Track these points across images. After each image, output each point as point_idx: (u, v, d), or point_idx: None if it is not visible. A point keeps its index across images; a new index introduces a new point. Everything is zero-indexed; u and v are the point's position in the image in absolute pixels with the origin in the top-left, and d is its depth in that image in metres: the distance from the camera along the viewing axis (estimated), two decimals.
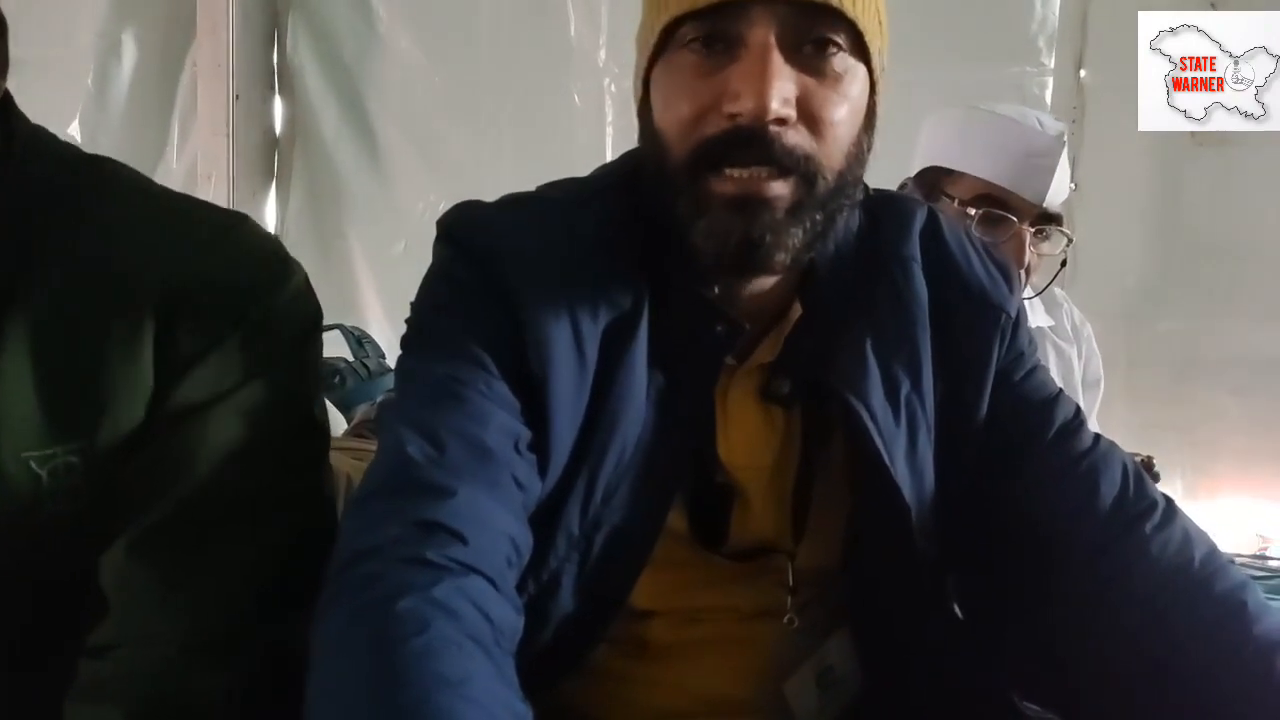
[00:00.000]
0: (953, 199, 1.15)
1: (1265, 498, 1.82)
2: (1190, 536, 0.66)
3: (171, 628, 0.59)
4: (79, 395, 0.60)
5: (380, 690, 0.47)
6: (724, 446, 0.68)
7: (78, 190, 0.64)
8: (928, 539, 0.69)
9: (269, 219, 2.32)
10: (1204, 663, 0.61)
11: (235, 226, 0.66)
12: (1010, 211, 1.13)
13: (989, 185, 1.13)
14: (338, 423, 1.60)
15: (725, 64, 0.60)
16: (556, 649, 0.66)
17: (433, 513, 0.55)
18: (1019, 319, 0.73)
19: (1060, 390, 0.74)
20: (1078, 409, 0.73)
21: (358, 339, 1.94)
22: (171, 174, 2.27)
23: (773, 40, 0.58)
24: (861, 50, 0.61)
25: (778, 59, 0.58)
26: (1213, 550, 0.66)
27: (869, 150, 0.65)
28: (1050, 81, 1.85)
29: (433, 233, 0.69)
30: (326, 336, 0.75)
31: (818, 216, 0.62)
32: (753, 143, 0.59)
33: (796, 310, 0.69)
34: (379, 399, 1.73)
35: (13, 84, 0.63)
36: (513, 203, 0.70)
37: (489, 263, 0.65)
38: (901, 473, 0.67)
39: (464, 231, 0.68)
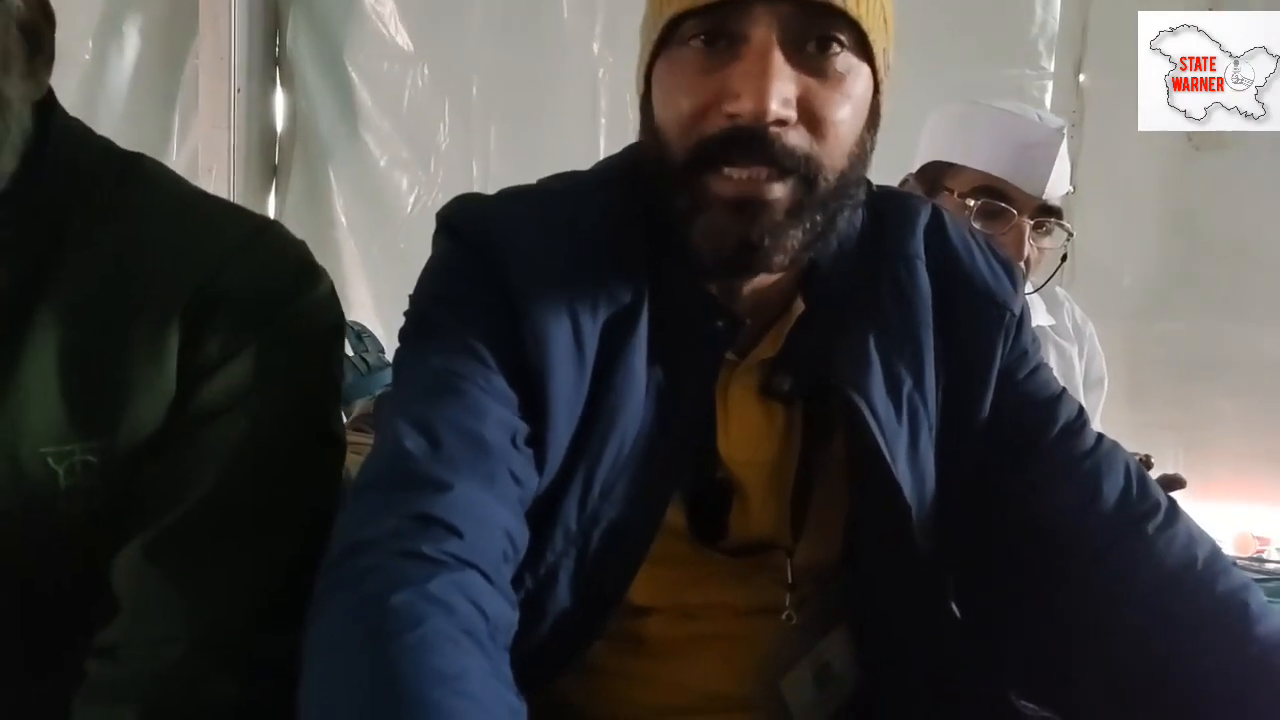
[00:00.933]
0: (952, 192, 1.15)
1: (1262, 500, 1.82)
2: (1193, 537, 0.66)
3: (183, 630, 0.58)
4: (100, 393, 0.60)
5: (374, 685, 0.47)
6: (724, 442, 0.67)
7: (111, 186, 0.64)
8: (928, 537, 0.68)
9: (270, 213, 2.32)
10: (1205, 663, 0.61)
11: (265, 231, 0.66)
12: (1009, 203, 1.12)
13: (988, 177, 1.13)
14: None
15: (727, 62, 0.59)
16: (553, 645, 0.66)
17: (429, 506, 0.54)
18: (1023, 317, 0.72)
19: (1064, 389, 0.73)
20: (1081, 409, 0.72)
21: (357, 334, 1.94)
22: (172, 166, 2.23)
23: (774, 40, 0.58)
24: (865, 49, 0.61)
25: (779, 59, 0.58)
26: (1215, 551, 0.66)
27: (872, 149, 0.65)
28: (1050, 85, 1.86)
29: (425, 227, 0.69)
30: None
31: (818, 217, 0.61)
32: (752, 143, 0.59)
33: (799, 306, 0.68)
34: (377, 393, 1.73)
35: None
36: (512, 196, 0.70)
37: (488, 255, 0.65)
38: (902, 471, 0.67)
39: (463, 224, 0.67)
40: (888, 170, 1.18)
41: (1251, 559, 1.57)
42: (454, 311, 0.64)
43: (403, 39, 2.17)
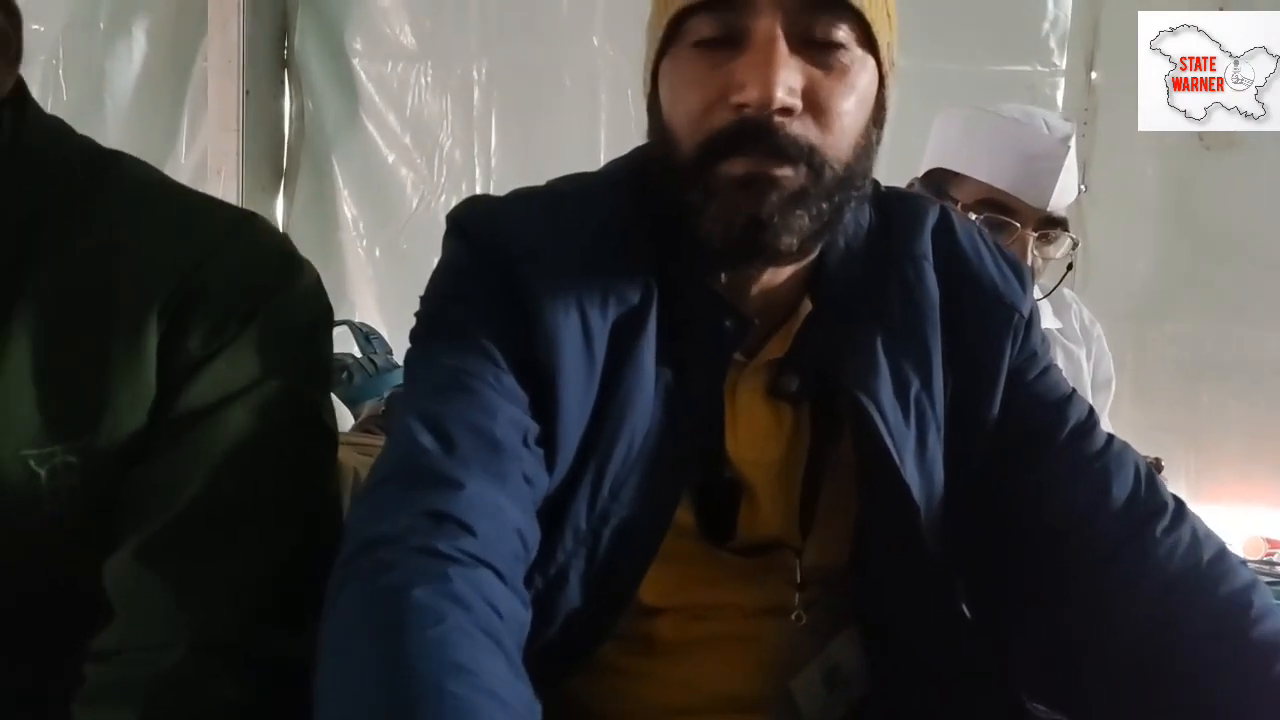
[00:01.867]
0: (956, 202, 1.15)
1: (1269, 503, 1.81)
2: (1200, 538, 0.66)
3: (181, 634, 0.58)
4: (80, 394, 0.60)
5: (394, 678, 0.47)
6: (732, 442, 0.68)
7: (88, 184, 0.63)
8: (936, 538, 0.68)
9: (278, 215, 2.32)
10: (1210, 663, 0.61)
11: (244, 224, 0.65)
12: (1012, 216, 1.13)
13: (991, 189, 1.13)
14: (345, 418, 1.60)
15: (732, 56, 0.60)
16: (564, 644, 0.66)
17: (443, 504, 0.55)
18: (1032, 318, 0.72)
19: (1073, 390, 0.73)
20: (1091, 410, 0.72)
21: (365, 335, 1.94)
22: (181, 169, 2.27)
23: (779, 31, 0.59)
24: (870, 43, 0.61)
25: (783, 49, 0.58)
26: (1222, 551, 0.66)
27: (878, 144, 0.65)
28: (1062, 82, 1.84)
29: (429, 227, 0.70)
30: (335, 332, 0.75)
31: (824, 205, 0.62)
32: (759, 135, 0.59)
33: (806, 306, 0.68)
34: (386, 394, 1.73)
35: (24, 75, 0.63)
36: (523, 196, 0.70)
37: (498, 256, 0.65)
38: (910, 472, 0.67)
39: (474, 224, 0.68)
40: (900, 165, 1.18)
41: (1261, 562, 1.56)
42: (465, 311, 0.64)
43: (407, 38, 2.18)
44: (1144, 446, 1.30)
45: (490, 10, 2.12)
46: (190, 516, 0.59)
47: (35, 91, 0.65)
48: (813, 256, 0.67)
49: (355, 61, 2.20)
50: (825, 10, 0.60)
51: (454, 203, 0.71)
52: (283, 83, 2.29)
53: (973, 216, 1.13)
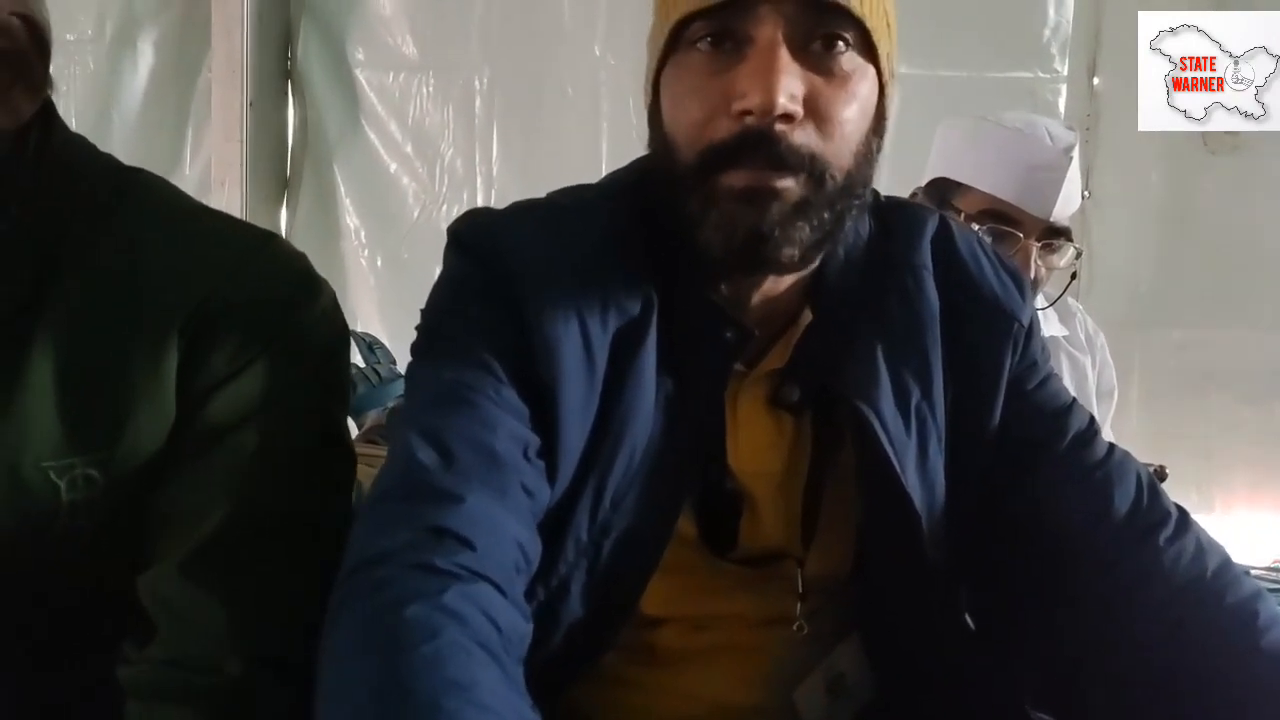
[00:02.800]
0: (959, 213, 1.15)
1: None
2: (1204, 548, 0.66)
3: (236, 647, 0.59)
4: (100, 407, 0.61)
5: (389, 696, 0.47)
6: (733, 453, 0.68)
7: (111, 202, 0.64)
8: (938, 548, 0.68)
9: (281, 225, 2.33)
10: (1215, 674, 0.61)
11: (265, 245, 0.66)
12: (1015, 227, 1.13)
13: (994, 200, 1.13)
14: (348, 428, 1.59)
15: (734, 63, 0.60)
16: (566, 655, 0.66)
17: (442, 519, 0.55)
18: (1032, 327, 0.72)
19: (1074, 399, 0.73)
20: (1092, 419, 0.72)
21: (369, 345, 1.94)
22: (185, 180, 2.27)
23: (780, 38, 0.58)
24: (870, 50, 0.61)
25: (785, 55, 0.58)
26: (1226, 561, 0.66)
27: (878, 152, 0.65)
28: (1064, 88, 1.84)
29: (430, 237, 0.70)
30: None
31: (826, 215, 0.62)
32: (760, 144, 0.59)
33: (806, 317, 0.69)
34: (390, 405, 1.73)
35: None
36: (523, 209, 0.70)
37: (498, 269, 0.65)
38: (912, 481, 0.67)
39: (474, 237, 0.68)
40: (903, 172, 1.18)
41: (1269, 569, 1.55)
42: (465, 325, 0.64)
43: (409, 48, 2.19)
44: (1153, 455, 1.29)
45: (492, 20, 2.13)
46: (230, 533, 0.60)
47: None
48: (813, 266, 0.67)
49: (357, 71, 2.21)
50: (826, 18, 0.60)
51: (456, 212, 0.73)
52: (286, 93, 2.30)
53: (976, 227, 1.13)
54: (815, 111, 0.60)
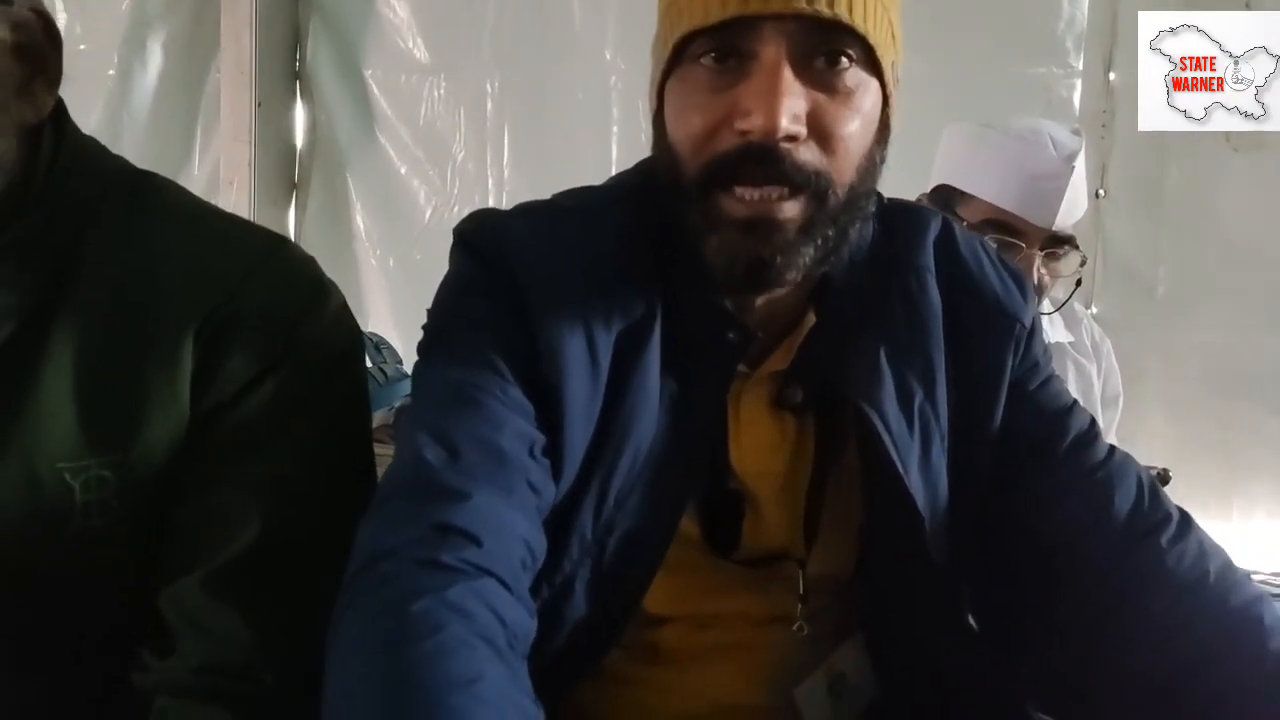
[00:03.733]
0: (962, 221, 1.15)
1: None
2: (1205, 550, 0.66)
3: (268, 662, 0.59)
4: (115, 410, 0.61)
5: (392, 690, 0.47)
6: (736, 453, 0.68)
7: (124, 205, 0.65)
8: (941, 548, 0.68)
9: (289, 226, 2.34)
10: (1220, 677, 0.61)
11: (275, 251, 0.67)
12: (1018, 236, 1.12)
13: (996, 210, 1.13)
14: None
15: (737, 80, 0.60)
16: (570, 654, 0.66)
17: (448, 516, 0.55)
18: (1033, 329, 0.72)
19: (1075, 401, 0.73)
20: (1093, 420, 0.72)
21: (375, 344, 1.95)
22: (193, 180, 2.29)
23: (783, 56, 0.59)
24: (873, 64, 0.61)
25: (788, 75, 0.59)
26: (1228, 564, 0.66)
27: (881, 163, 0.65)
28: (1079, 83, 1.79)
29: (442, 239, 0.71)
30: None
31: (829, 232, 0.62)
32: (764, 160, 0.59)
33: (810, 318, 0.69)
34: (396, 404, 1.73)
35: None
36: (529, 210, 0.71)
37: (504, 269, 0.65)
38: (915, 481, 0.67)
39: (480, 238, 0.68)
40: (917, 169, 1.17)
41: (1276, 574, 1.50)
42: (471, 325, 0.65)
43: (420, 51, 2.19)
44: (1171, 460, 1.26)
45: (503, 23, 2.12)
46: (256, 548, 0.61)
47: None
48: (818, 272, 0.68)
49: (368, 74, 2.22)
50: (829, 35, 0.59)
51: (466, 214, 0.72)
52: (294, 95, 2.31)
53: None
54: (818, 129, 0.60)
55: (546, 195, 0.73)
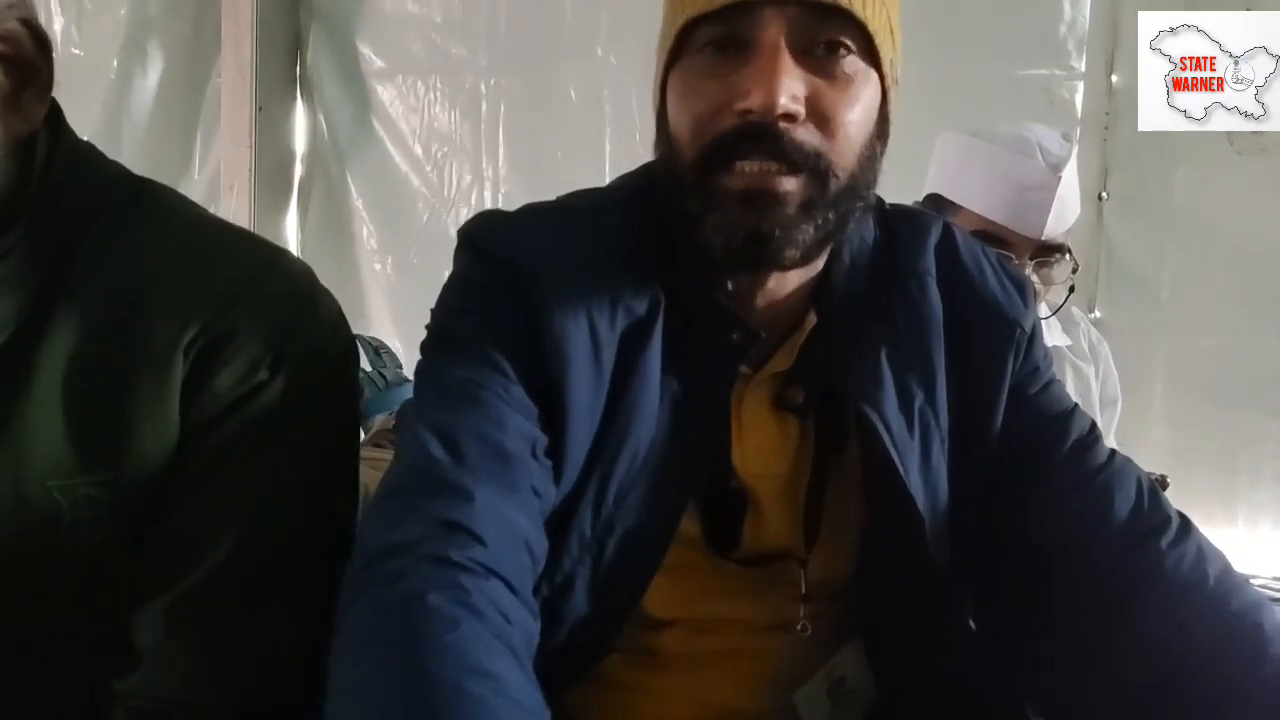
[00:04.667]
0: None
1: None
2: (1205, 553, 0.66)
3: (212, 697, 0.59)
4: (104, 427, 0.60)
5: (414, 682, 0.47)
6: (737, 453, 0.68)
7: (120, 213, 0.64)
8: (941, 551, 0.69)
9: (290, 230, 2.34)
10: (1219, 681, 0.60)
11: (270, 265, 0.66)
12: (1007, 248, 1.12)
13: (984, 221, 1.13)
14: None
15: (737, 65, 0.61)
16: (569, 656, 0.66)
17: (453, 513, 0.55)
18: (1034, 333, 0.73)
19: (1076, 405, 0.73)
20: (1093, 424, 0.72)
21: (375, 349, 1.94)
22: (194, 185, 2.30)
23: (783, 41, 0.60)
24: (873, 55, 0.62)
25: (787, 58, 0.59)
26: (1227, 567, 0.66)
27: (881, 156, 0.66)
28: (1080, 85, 1.78)
29: (439, 241, 0.70)
30: None
31: (830, 215, 0.62)
32: (762, 137, 0.60)
33: (811, 320, 0.69)
34: (396, 408, 1.72)
35: None
36: (533, 211, 0.71)
37: (508, 269, 0.66)
38: (915, 484, 0.67)
39: (485, 238, 0.68)
40: (918, 170, 1.17)
41: (1275, 578, 1.49)
42: (474, 324, 0.65)
43: (417, 53, 2.19)
44: (1175, 467, 1.25)
45: (498, 24, 2.13)
46: (221, 579, 0.60)
47: None
48: (818, 269, 0.68)
49: (367, 77, 2.22)
50: (829, 22, 0.60)
51: (464, 216, 0.73)
52: (295, 99, 2.31)
53: None
54: (817, 113, 0.61)
55: (543, 195, 0.73)
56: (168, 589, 0.60)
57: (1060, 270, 1.16)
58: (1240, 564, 0.67)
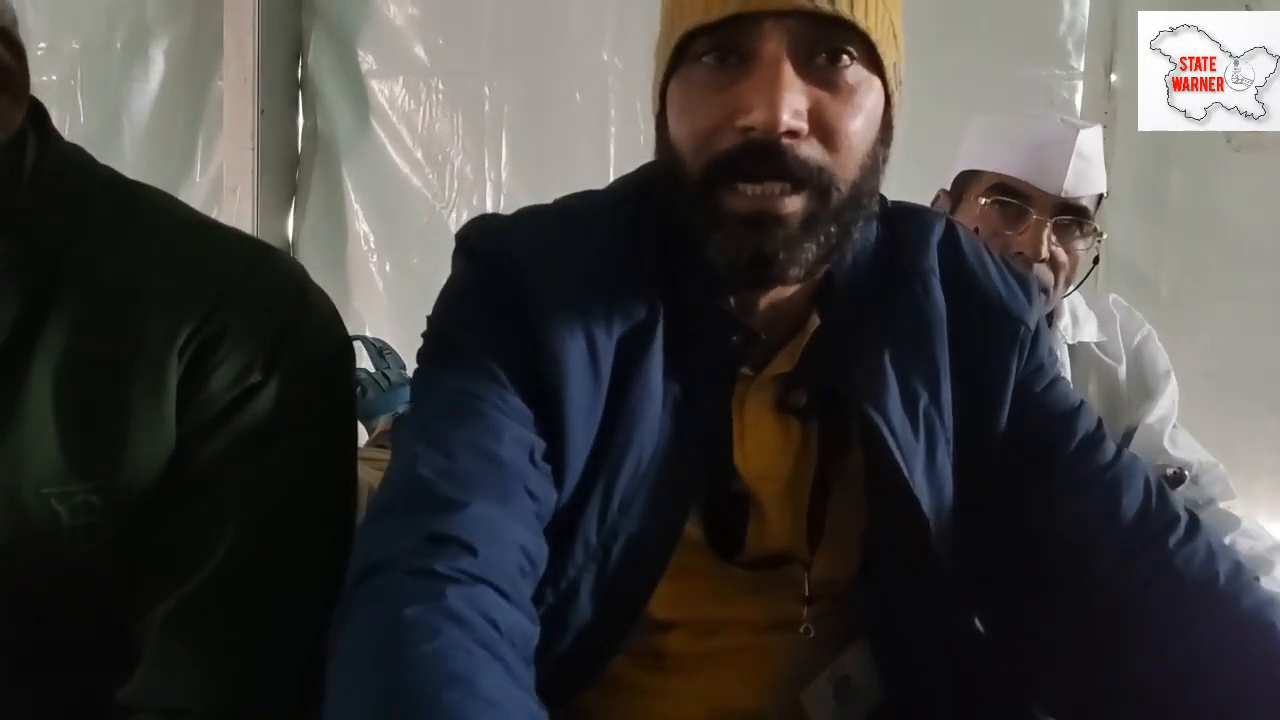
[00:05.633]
0: (973, 198, 1.14)
1: None
2: (1215, 551, 0.65)
3: (210, 703, 0.58)
4: (100, 433, 0.60)
5: (389, 692, 0.47)
6: (740, 456, 0.68)
7: (110, 217, 0.64)
8: (947, 551, 0.68)
9: (292, 231, 2.34)
10: (1229, 679, 0.60)
11: (263, 263, 0.65)
12: (1024, 201, 1.10)
13: (1003, 177, 1.12)
14: (359, 433, 1.60)
15: (738, 78, 0.60)
16: (575, 660, 0.66)
17: (443, 526, 0.55)
18: (1038, 331, 0.72)
19: (1082, 402, 0.73)
20: (1100, 421, 0.72)
21: (379, 350, 1.94)
22: (196, 188, 2.29)
23: (784, 53, 0.58)
24: (875, 62, 0.61)
25: (789, 71, 0.58)
26: (1238, 566, 0.65)
27: (884, 163, 0.65)
28: (1080, 84, 1.79)
29: (440, 243, 0.70)
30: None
31: (832, 229, 0.62)
32: (765, 156, 0.59)
33: (814, 321, 0.69)
34: (400, 409, 1.72)
35: (41, 97, 0.63)
36: (531, 215, 0.70)
37: (505, 275, 0.65)
38: (920, 485, 0.67)
39: (482, 243, 0.68)
40: (920, 168, 1.16)
41: None
42: (471, 332, 0.65)
43: (419, 55, 2.19)
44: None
45: (500, 26, 2.13)
46: (218, 585, 0.60)
47: (53, 112, 0.65)
48: (821, 273, 0.67)
49: (368, 79, 2.22)
50: (831, 32, 0.59)
51: (465, 218, 0.74)
52: (297, 102, 2.31)
53: (984, 202, 1.12)
54: (820, 125, 0.60)
55: (544, 198, 0.73)
56: (165, 596, 0.60)
57: (1084, 239, 1.12)
58: None
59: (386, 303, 2.24)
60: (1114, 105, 1.78)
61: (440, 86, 2.18)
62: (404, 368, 1.93)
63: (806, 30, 0.59)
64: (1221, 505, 1.23)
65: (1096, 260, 1.17)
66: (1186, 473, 1.22)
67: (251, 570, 0.60)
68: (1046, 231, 1.09)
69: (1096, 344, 1.28)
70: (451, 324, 0.67)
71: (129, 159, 2.24)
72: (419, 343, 0.68)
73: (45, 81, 2.19)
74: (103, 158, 0.68)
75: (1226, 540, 1.15)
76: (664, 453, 0.65)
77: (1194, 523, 0.67)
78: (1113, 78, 1.79)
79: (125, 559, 0.61)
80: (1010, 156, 1.11)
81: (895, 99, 0.63)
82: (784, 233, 0.60)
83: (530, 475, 0.60)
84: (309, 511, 0.64)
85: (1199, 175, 1.74)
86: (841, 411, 0.68)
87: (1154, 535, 0.65)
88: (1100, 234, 1.15)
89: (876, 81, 0.62)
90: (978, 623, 0.73)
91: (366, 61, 2.23)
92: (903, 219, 0.72)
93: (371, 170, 2.24)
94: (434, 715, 0.46)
